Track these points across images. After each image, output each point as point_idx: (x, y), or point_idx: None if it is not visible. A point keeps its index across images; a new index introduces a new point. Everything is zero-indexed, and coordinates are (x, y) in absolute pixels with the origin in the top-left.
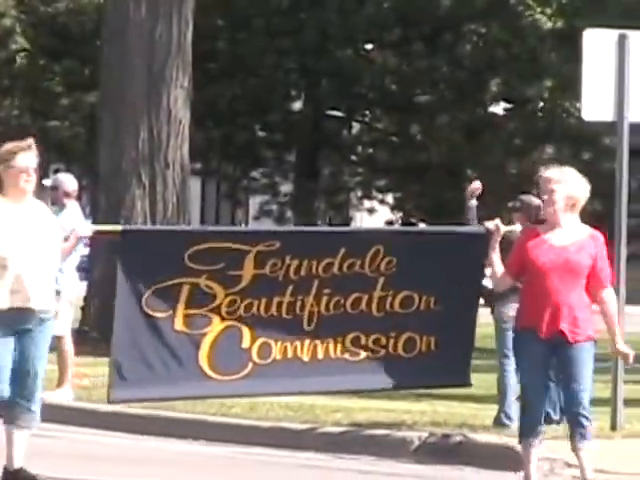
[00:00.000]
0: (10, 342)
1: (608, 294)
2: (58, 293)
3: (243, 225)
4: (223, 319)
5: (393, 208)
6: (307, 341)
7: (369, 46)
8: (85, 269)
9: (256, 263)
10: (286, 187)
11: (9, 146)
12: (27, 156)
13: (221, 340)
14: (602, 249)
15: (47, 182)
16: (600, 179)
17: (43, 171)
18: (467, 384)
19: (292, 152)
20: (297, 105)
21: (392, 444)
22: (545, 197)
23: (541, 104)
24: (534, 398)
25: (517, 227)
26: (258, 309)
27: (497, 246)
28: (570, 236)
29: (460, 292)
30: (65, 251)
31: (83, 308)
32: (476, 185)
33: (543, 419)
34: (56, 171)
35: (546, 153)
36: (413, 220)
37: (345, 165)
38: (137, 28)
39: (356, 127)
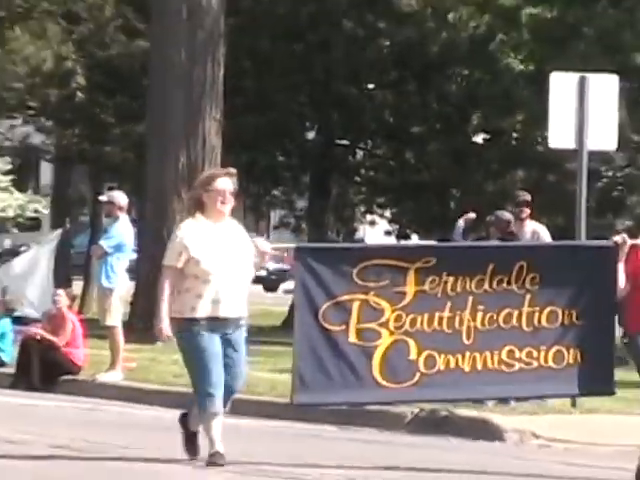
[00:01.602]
0: (217, 346)
1: None
2: (111, 291)
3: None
4: (391, 333)
5: (390, 221)
6: (467, 353)
7: (371, 85)
8: (133, 271)
9: (417, 280)
10: (301, 203)
11: (210, 172)
12: (225, 181)
13: (391, 352)
14: None
15: (103, 198)
16: (564, 198)
17: (99, 188)
18: (612, 392)
19: (306, 174)
20: (311, 135)
21: (389, 418)
22: None
23: (514, 134)
24: None
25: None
26: (422, 324)
27: (624, 258)
28: None
29: (599, 304)
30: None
31: (132, 303)
32: (471, 216)
33: None
34: (110, 189)
35: (518, 176)
36: (407, 231)
37: (350, 185)
38: (177, 69)
39: (359, 153)
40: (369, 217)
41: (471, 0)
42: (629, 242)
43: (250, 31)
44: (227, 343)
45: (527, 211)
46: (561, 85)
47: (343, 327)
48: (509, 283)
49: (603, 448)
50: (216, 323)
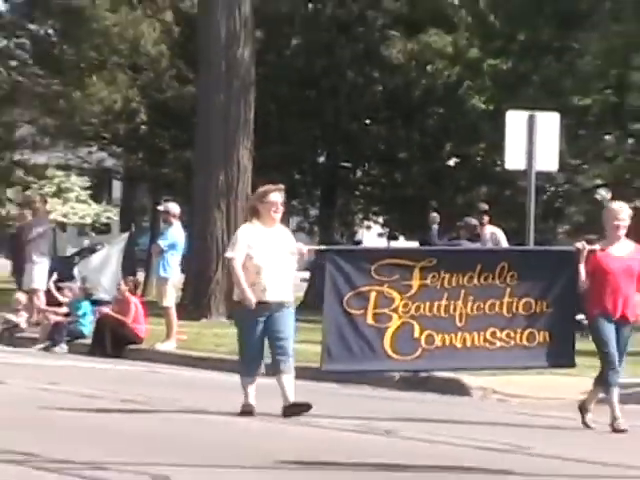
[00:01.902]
0: (261, 325)
1: None
2: (167, 280)
3: None
4: (400, 317)
5: (382, 226)
6: (459, 333)
7: (368, 121)
8: (183, 264)
9: (421, 276)
10: (314, 211)
11: (265, 187)
12: (277, 195)
13: (399, 332)
14: None
15: (160, 207)
16: (516, 207)
17: (157, 200)
18: (573, 365)
19: (318, 189)
20: (321, 159)
21: (382, 378)
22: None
23: (478, 159)
24: (612, 350)
25: (596, 247)
26: (424, 310)
27: (584, 260)
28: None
29: (564, 296)
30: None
31: (183, 290)
32: (434, 215)
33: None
34: (166, 201)
35: (481, 191)
36: (396, 233)
37: (351, 198)
38: (218, 110)
39: (359, 173)
40: (366, 223)
41: (445, 54)
42: (587, 248)
43: (274, 80)
44: (273, 321)
45: (487, 218)
46: (514, 121)
47: (362, 312)
48: (493, 279)
49: (549, 401)
50: (264, 306)
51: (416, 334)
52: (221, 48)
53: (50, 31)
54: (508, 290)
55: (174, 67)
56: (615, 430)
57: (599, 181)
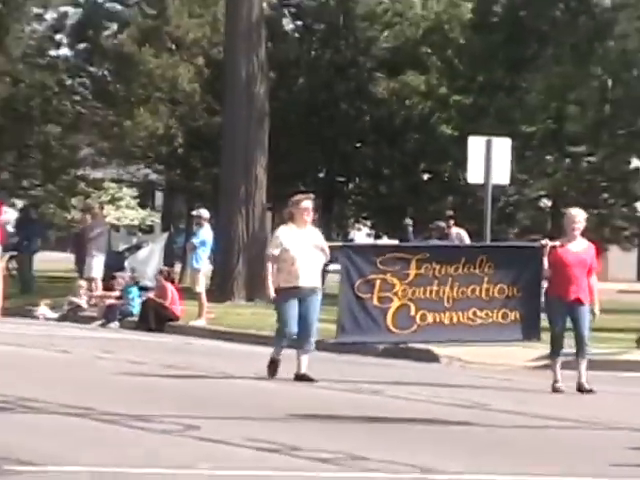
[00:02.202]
0: (295, 305)
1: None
2: (199, 270)
3: None
4: (400, 299)
5: (370, 228)
6: (447, 313)
7: (358, 144)
8: (213, 257)
9: (417, 266)
10: (315, 216)
11: (298, 196)
12: (308, 202)
13: (399, 311)
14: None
15: (194, 213)
16: (477, 213)
17: (191, 207)
18: (539, 339)
19: (319, 198)
20: (321, 174)
21: (369, 349)
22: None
23: (446, 174)
24: (559, 333)
25: (557, 243)
26: (419, 294)
27: (547, 253)
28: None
29: (531, 283)
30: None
31: (212, 278)
32: (407, 221)
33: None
34: (198, 207)
35: (448, 200)
36: (380, 234)
37: (346, 206)
38: (239, 135)
39: (351, 186)
40: (357, 225)
41: (419, 91)
42: (550, 244)
43: (284, 111)
44: (304, 303)
45: (452, 221)
46: (475, 145)
47: (369, 295)
48: (474, 269)
49: (503, 367)
50: (297, 290)
51: (412, 313)
52: (242, 86)
53: (106, 72)
54: (486, 278)
55: (205, 101)
56: (556, 391)
57: (542, 192)
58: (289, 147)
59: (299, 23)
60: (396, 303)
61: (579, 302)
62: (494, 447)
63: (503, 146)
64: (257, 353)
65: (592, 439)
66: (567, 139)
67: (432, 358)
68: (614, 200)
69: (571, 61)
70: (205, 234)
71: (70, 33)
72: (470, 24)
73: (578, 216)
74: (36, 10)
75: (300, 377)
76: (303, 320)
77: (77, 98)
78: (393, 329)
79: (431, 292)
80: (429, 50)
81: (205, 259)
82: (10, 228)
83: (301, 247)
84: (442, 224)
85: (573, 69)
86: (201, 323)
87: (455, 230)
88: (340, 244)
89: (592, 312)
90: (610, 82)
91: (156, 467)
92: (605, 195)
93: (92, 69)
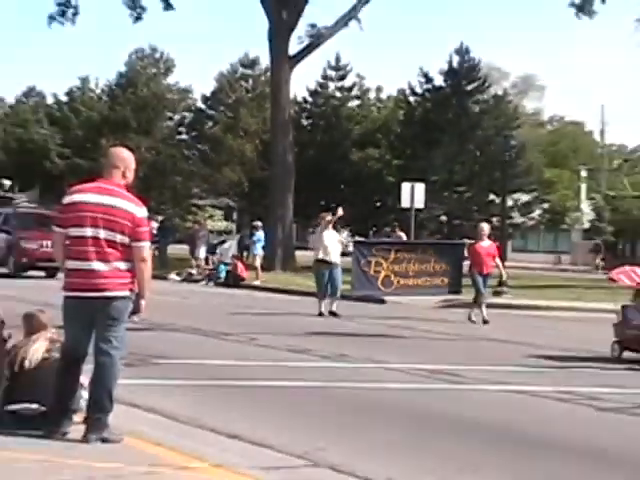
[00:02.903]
0: (326, 274)
1: None
2: (257, 255)
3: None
4: (385, 271)
5: (349, 231)
6: (410, 279)
7: (342, 187)
8: (264, 247)
9: (395, 253)
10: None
11: (324, 213)
12: (329, 216)
13: (385, 278)
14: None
15: (254, 223)
16: (407, 224)
17: (253, 219)
18: (460, 293)
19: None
20: (322, 203)
21: (368, 298)
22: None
23: (389, 202)
24: (480, 291)
25: (472, 241)
26: (396, 269)
27: (467, 247)
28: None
29: (455, 263)
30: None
31: (263, 258)
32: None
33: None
34: (256, 220)
35: (391, 217)
36: (354, 234)
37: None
38: (279, 181)
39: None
40: (342, 230)
41: (375, 158)
42: (468, 242)
43: (302, 169)
44: (332, 275)
45: (397, 228)
46: (405, 187)
47: (368, 269)
48: (425, 254)
49: (425, 304)
50: (327, 264)
51: (392, 279)
52: (280, 155)
53: (206, 148)
54: (432, 259)
55: (259, 163)
56: (469, 319)
57: (441, 212)
58: (304, 188)
59: (310, 121)
60: (383, 273)
61: (488, 274)
62: (405, 348)
63: (420, 188)
64: (289, 299)
65: (450, 343)
66: (455, 183)
67: (379, 301)
68: (480, 217)
69: (457, 141)
70: (260, 235)
71: (187, 126)
72: (402, 121)
73: (485, 228)
74: (169, 114)
75: (332, 313)
76: (332, 283)
77: (190, 162)
78: (382, 288)
79: (402, 268)
80: (380, 136)
81: (260, 249)
82: (154, 231)
83: (331, 240)
84: (388, 229)
85: (458, 146)
86: (257, 283)
87: (399, 233)
88: (354, 240)
89: (501, 276)
90: (478, 153)
91: (246, 360)
92: (475, 215)
93: (199, 146)
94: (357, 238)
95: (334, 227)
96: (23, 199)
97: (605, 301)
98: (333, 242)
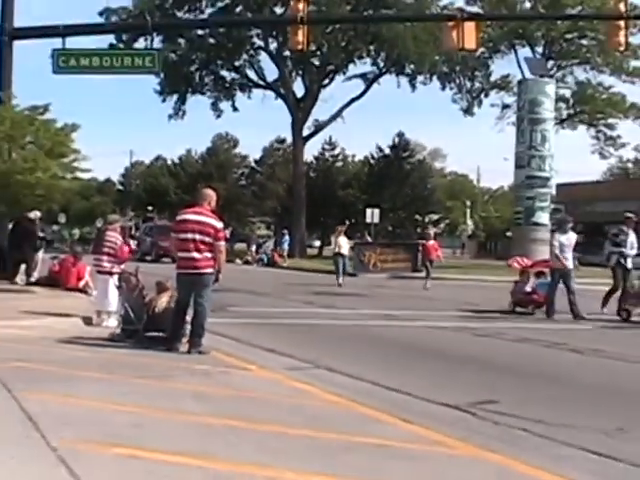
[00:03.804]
0: (340, 261)
1: None
2: (284, 249)
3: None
4: (374, 261)
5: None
6: (387, 264)
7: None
8: (289, 245)
9: (380, 248)
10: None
11: (339, 226)
12: (341, 227)
13: (374, 263)
14: None
15: (283, 231)
16: (369, 232)
17: (283, 228)
18: (419, 271)
19: (330, 227)
20: (322, 219)
21: (362, 276)
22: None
23: (360, 220)
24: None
25: (424, 242)
26: (381, 259)
27: (421, 245)
28: None
29: (414, 253)
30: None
31: (288, 250)
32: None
33: None
34: (284, 228)
35: (361, 228)
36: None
37: (329, 229)
38: (297, 206)
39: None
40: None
41: (352, 194)
42: (422, 242)
43: (309, 200)
44: (343, 260)
45: (365, 234)
46: (370, 210)
47: (364, 259)
48: (396, 248)
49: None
50: (341, 255)
51: (378, 264)
52: (298, 192)
53: (255, 188)
54: (401, 253)
55: (287, 197)
56: (425, 288)
57: (389, 225)
58: (310, 213)
59: (315, 174)
60: (372, 261)
61: (432, 260)
62: (372, 300)
63: (377, 211)
64: (304, 274)
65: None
66: (396, 209)
67: (376, 279)
68: (410, 229)
69: (397, 186)
70: (286, 238)
71: (246, 177)
72: (367, 173)
73: (431, 233)
74: (235, 169)
75: (339, 285)
76: (343, 266)
77: (247, 197)
78: (372, 268)
79: (384, 258)
80: (355, 182)
81: (286, 246)
82: (227, 235)
83: (343, 241)
84: (359, 235)
85: (397, 188)
86: (285, 264)
87: (367, 237)
88: (356, 242)
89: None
90: (410, 191)
91: (284, 307)
92: (408, 227)
93: (252, 188)
94: (357, 240)
95: (345, 234)
96: (157, 218)
97: (503, 276)
98: (344, 243)
